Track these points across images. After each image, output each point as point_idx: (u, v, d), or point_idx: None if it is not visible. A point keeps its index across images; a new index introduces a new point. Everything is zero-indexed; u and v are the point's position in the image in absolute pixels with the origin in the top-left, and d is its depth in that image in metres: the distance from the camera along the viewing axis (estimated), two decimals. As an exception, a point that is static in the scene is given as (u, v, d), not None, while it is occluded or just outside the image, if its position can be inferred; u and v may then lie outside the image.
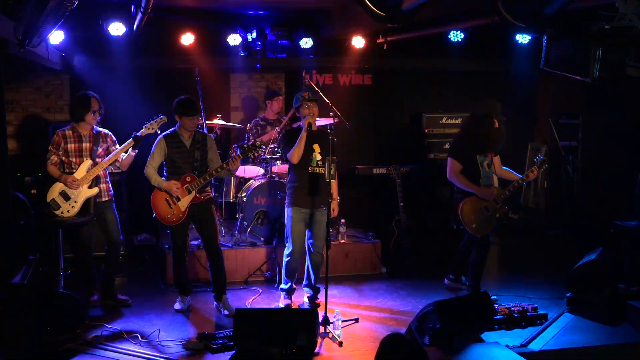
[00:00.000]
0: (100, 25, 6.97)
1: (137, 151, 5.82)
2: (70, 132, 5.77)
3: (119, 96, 7.40)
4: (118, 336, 5.17)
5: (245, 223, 7.04)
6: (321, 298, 5.74)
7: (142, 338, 5.11)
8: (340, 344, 5.08)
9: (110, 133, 5.96)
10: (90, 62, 7.60)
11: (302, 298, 6.11)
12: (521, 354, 4.53)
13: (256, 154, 6.98)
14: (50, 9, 4.25)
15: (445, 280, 6.51)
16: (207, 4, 7.55)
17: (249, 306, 6.00)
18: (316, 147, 5.79)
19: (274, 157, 7.10)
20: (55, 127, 6.51)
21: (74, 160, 5.73)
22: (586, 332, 5.39)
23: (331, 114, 6.42)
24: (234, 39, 7.79)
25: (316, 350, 4.92)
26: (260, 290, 6.44)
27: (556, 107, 9.19)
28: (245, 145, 6.21)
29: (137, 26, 6.29)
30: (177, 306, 5.85)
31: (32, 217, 6.27)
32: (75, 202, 5.66)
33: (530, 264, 7.49)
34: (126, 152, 5.81)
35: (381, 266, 7.16)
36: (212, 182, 6.34)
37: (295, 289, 6.06)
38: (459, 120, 8.24)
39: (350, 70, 8.73)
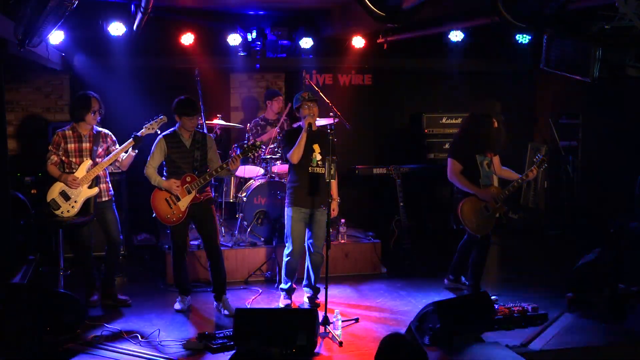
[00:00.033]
0: (100, 25, 6.97)
1: (137, 151, 5.82)
2: (70, 132, 5.77)
3: (119, 96, 7.39)
4: (118, 336, 5.17)
5: (245, 223, 7.04)
6: (321, 298, 5.74)
7: (142, 338, 5.11)
8: (340, 344, 5.08)
9: (110, 133, 5.96)
10: (90, 62, 7.60)
11: (302, 298, 6.11)
12: (521, 354, 4.53)
13: (256, 154, 6.99)
14: (50, 9, 4.26)
15: (445, 280, 6.51)
16: (207, 4, 7.55)
17: (249, 306, 6.00)
18: (316, 147, 5.79)
19: (274, 157, 7.10)
20: (55, 127, 6.51)
21: (74, 160, 5.73)
22: (586, 332, 5.38)
23: (331, 114, 6.42)
24: (234, 39, 7.79)
25: (316, 350, 4.92)
26: (260, 290, 6.44)
27: (556, 107, 9.20)
28: (245, 145, 6.20)
29: (137, 26, 6.29)
30: (177, 306, 5.85)
31: (32, 217, 6.29)
32: (75, 202, 5.66)
33: (530, 264, 7.49)
34: (126, 152, 5.81)
35: (381, 266, 7.16)
36: (212, 182, 6.34)
37: (295, 289, 6.06)
38: (459, 120, 8.23)
39: (350, 70, 8.73)
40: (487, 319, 5.22)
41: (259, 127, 7.53)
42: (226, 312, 5.71)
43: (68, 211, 5.65)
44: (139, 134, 5.73)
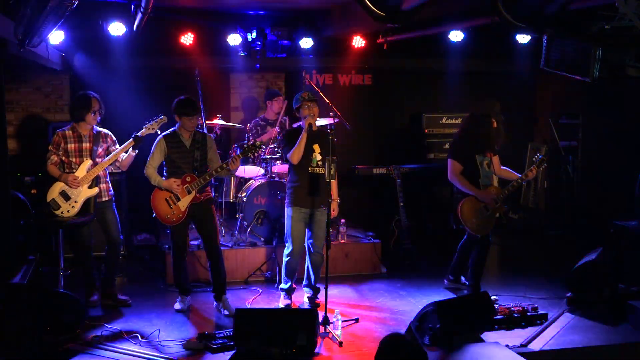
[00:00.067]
0: (100, 25, 6.97)
1: (137, 151, 5.82)
2: (70, 132, 5.77)
3: (119, 96, 7.40)
4: (118, 336, 5.17)
5: (245, 223, 7.04)
6: (321, 298, 5.74)
7: (142, 338, 5.11)
8: (340, 344, 5.08)
9: (110, 133, 5.96)
10: (90, 62, 7.61)
11: (302, 298, 6.11)
12: (521, 354, 4.53)
13: (256, 154, 6.99)
14: (50, 9, 4.26)
15: (445, 281, 6.51)
16: (207, 4, 7.55)
17: (249, 306, 6.00)
18: (316, 147, 5.79)
19: (274, 157, 7.10)
20: (55, 127, 6.51)
21: (74, 160, 5.73)
22: (586, 332, 5.39)
23: (331, 114, 6.42)
24: (234, 39, 7.79)
25: (316, 350, 4.92)
26: (260, 290, 6.44)
27: (556, 107, 9.20)
28: (245, 145, 6.20)
29: (137, 26, 6.29)
30: (177, 306, 5.85)
31: (32, 217, 6.28)
32: (76, 202, 5.66)
33: (530, 264, 7.49)
34: (126, 152, 5.81)
35: (381, 266, 7.16)
36: (212, 182, 6.34)
37: (295, 288, 6.06)
38: (459, 120, 8.23)
39: (350, 70, 8.73)
40: (487, 319, 5.22)
41: (259, 127, 7.53)
42: (226, 312, 5.71)
43: (68, 211, 5.65)
44: (139, 134, 5.73)
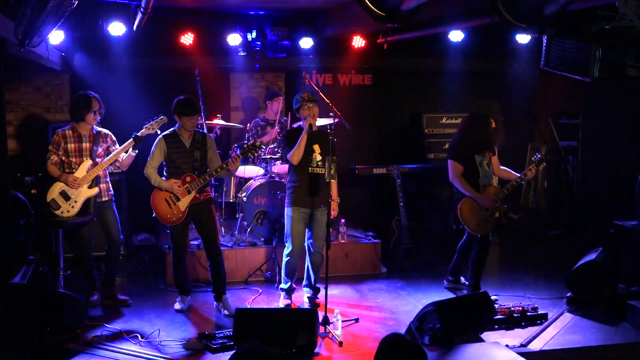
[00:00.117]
0: (100, 25, 6.96)
1: (137, 151, 5.82)
2: (70, 132, 5.77)
3: (119, 96, 7.40)
4: (118, 336, 5.18)
5: (245, 223, 7.04)
6: (321, 298, 5.74)
7: (142, 338, 5.11)
8: (340, 344, 5.08)
9: (110, 133, 5.96)
10: (90, 62, 7.61)
11: (302, 298, 6.11)
12: (521, 354, 4.53)
13: (256, 154, 6.99)
14: (50, 9, 4.25)
15: (445, 281, 6.51)
16: (207, 4, 7.55)
17: (249, 306, 6.00)
18: (316, 147, 5.79)
19: (274, 157, 7.10)
20: (55, 127, 6.50)
21: (74, 160, 5.73)
22: (586, 332, 5.39)
23: (331, 114, 6.42)
24: (234, 39, 7.79)
25: (316, 350, 4.92)
26: (260, 290, 6.44)
27: (556, 107, 9.20)
28: (245, 146, 6.21)
29: (137, 26, 6.29)
30: (177, 306, 5.85)
31: (32, 217, 6.27)
32: (76, 202, 5.66)
33: (530, 264, 7.49)
34: (126, 152, 5.81)
35: (381, 266, 7.16)
36: (212, 182, 6.34)
37: (295, 288, 6.06)
38: (459, 120, 8.22)
39: (350, 70, 8.73)
40: (487, 319, 5.23)
41: (259, 128, 7.53)
42: (226, 312, 5.71)
43: (68, 211, 5.65)
44: (139, 134, 5.73)
